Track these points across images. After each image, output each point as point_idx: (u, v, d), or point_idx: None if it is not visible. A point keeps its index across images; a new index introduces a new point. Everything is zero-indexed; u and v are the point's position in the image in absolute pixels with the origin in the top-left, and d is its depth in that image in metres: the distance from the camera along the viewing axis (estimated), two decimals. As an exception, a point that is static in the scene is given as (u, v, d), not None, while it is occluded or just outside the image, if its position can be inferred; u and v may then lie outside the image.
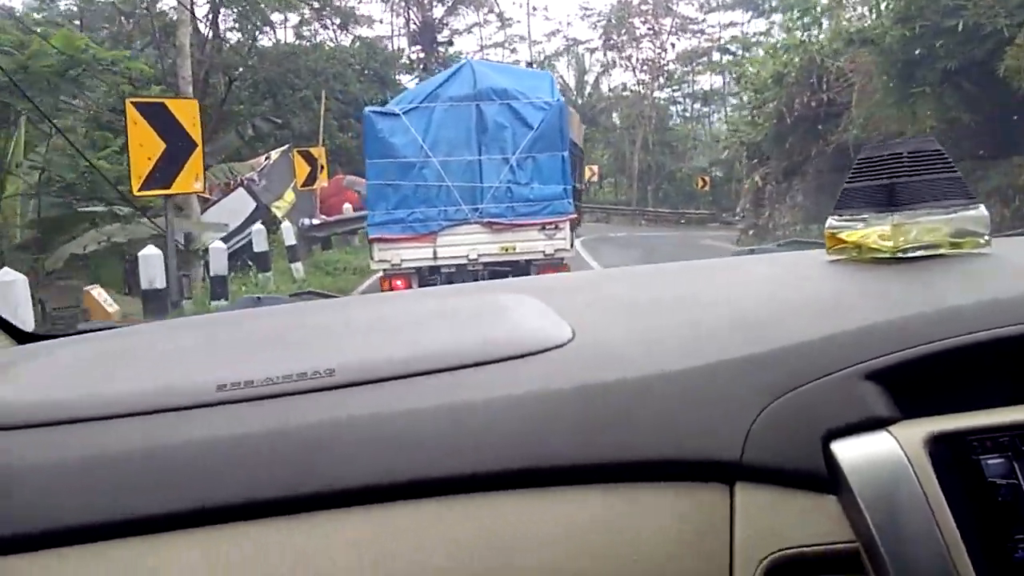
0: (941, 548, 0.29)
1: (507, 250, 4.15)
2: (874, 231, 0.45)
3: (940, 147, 0.44)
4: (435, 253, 4.15)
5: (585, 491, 0.31)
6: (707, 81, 23.65)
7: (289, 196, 8.36)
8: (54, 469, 0.32)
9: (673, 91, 22.55)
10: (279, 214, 7.94)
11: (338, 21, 14.03)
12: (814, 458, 0.32)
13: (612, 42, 21.85)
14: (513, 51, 24.97)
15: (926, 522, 0.29)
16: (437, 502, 0.31)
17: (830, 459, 0.31)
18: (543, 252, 4.10)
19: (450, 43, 18.14)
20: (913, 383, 0.34)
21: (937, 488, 0.30)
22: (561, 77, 23.60)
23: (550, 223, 4.06)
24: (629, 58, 21.78)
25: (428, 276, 4.20)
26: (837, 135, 7.90)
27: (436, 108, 4.02)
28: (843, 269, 0.47)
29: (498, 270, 4.15)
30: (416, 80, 16.02)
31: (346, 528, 0.30)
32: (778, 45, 9.94)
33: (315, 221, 8.40)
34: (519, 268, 4.13)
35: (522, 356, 0.37)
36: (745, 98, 11.71)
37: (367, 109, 4.42)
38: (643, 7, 20.62)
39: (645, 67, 21.34)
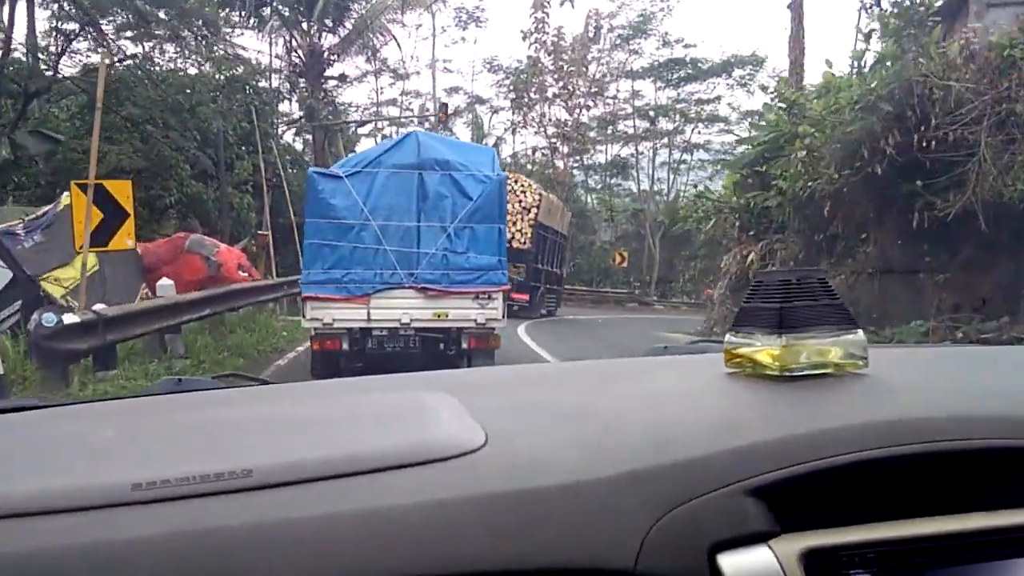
0: None
1: (440, 316, 4.90)
2: (765, 350, 0.55)
3: (825, 276, 0.57)
4: (368, 315, 4.84)
5: None
6: (611, 151, 26.14)
7: (81, 263, 5.10)
8: None
9: (586, 158, 24.58)
10: (55, 292, 5.50)
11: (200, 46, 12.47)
12: (701, 570, 0.38)
13: (522, 100, 23.37)
14: (408, 108, 26.05)
15: None
16: None
17: (715, 571, 0.38)
18: (475, 321, 4.89)
19: (343, 78, 17.40)
20: (792, 499, 0.41)
21: None
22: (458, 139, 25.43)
23: (484, 292, 4.90)
24: (540, 118, 23.45)
25: (359, 338, 4.83)
26: (931, 196, 5.67)
27: (379, 174, 4.89)
28: (737, 383, 0.58)
29: (429, 336, 4.91)
30: (299, 115, 15.87)
31: None
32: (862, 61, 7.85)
33: (102, 309, 4.45)
34: (450, 335, 4.93)
35: (436, 461, 0.43)
36: (742, 150, 10.89)
37: (311, 170, 5.32)
38: (558, 63, 22.21)
39: (557, 128, 22.90)
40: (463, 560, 0.37)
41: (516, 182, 12.81)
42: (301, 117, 16.10)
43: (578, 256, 21.35)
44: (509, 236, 13.64)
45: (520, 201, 12.45)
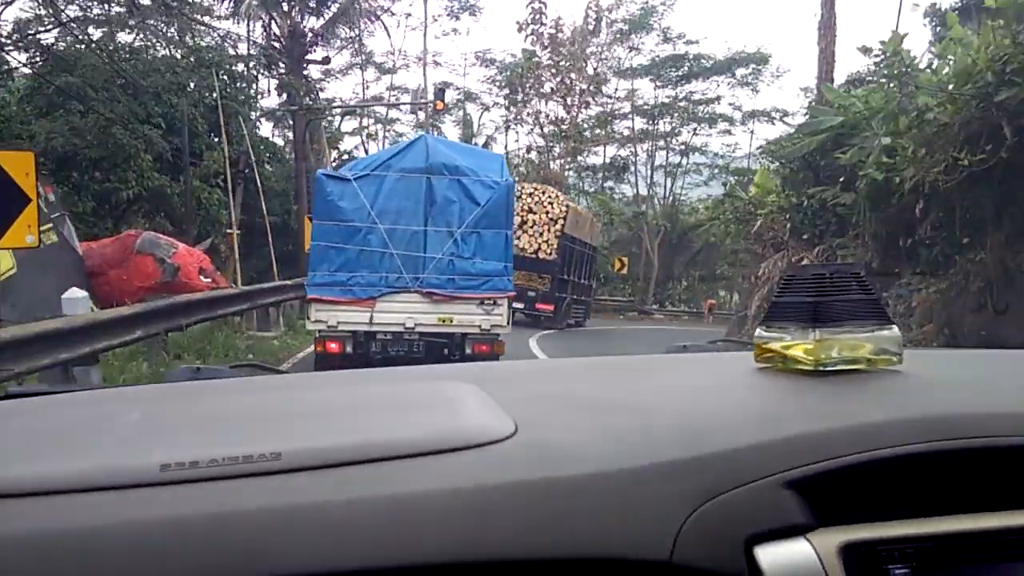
0: None
1: (444, 321, 5.32)
2: (798, 344, 0.59)
3: (860, 271, 0.61)
4: (372, 319, 5.23)
5: None
6: (607, 152, 26.65)
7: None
8: None
9: (580, 159, 25.08)
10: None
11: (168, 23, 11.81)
12: (737, 562, 0.41)
13: (516, 95, 23.73)
14: (394, 105, 26.01)
15: None
16: None
17: (752, 563, 0.41)
18: (479, 327, 5.29)
19: (326, 60, 17.34)
20: (829, 493, 0.44)
21: None
22: (441, 135, 25.58)
23: (489, 298, 5.30)
24: (536, 115, 23.88)
25: (363, 341, 5.24)
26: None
27: (387, 177, 5.29)
28: (769, 378, 0.62)
29: (434, 341, 5.29)
30: (278, 105, 15.46)
31: None
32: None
33: None
34: (454, 341, 5.32)
35: (466, 448, 0.46)
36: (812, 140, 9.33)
37: (319, 172, 5.61)
38: (556, 57, 22.45)
39: (554, 126, 23.29)
40: (494, 547, 0.39)
41: (544, 193, 13.56)
42: (280, 106, 15.75)
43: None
44: (535, 247, 13.55)
45: (547, 212, 13.19)
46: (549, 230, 13.16)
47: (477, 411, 0.53)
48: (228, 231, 10.58)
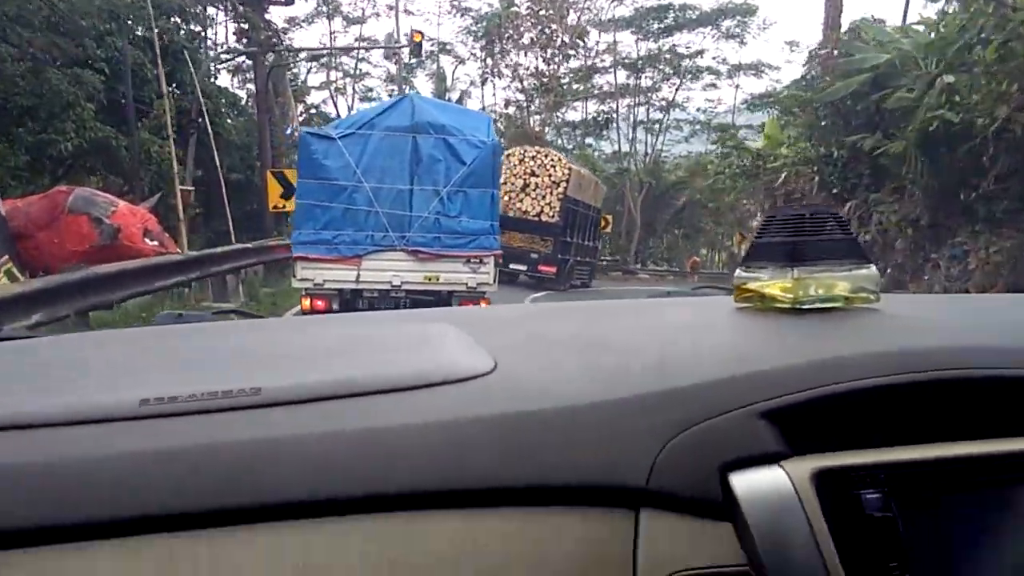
0: (823, 574, 0.41)
1: (430, 280, 5.73)
2: (777, 283, 0.63)
3: (839, 213, 0.65)
4: (359, 276, 5.62)
5: (498, 514, 0.42)
6: (587, 108, 26.73)
7: None
8: None
9: (559, 114, 25.20)
10: None
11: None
12: (712, 488, 0.44)
13: (494, 47, 23.82)
14: (366, 54, 25.71)
15: (810, 549, 0.42)
16: (356, 520, 0.41)
17: (727, 490, 0.44)
18: (466, 285, 5.72)
19: (290, 0, 16.32)
20: (803, 423, 0.47)
21: (821, 519, 0.43)
22: (418, 94, 26.25)
23: (475, 257, 5.72)
24: (515, 67, 24.05)
25: (350, 299, 5.64)
26: None
27: (372, 136, 5.61)
28: (747, 316, 0.66)
29: (420, 299, 5.69)
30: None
31: (267, 542, 0.40)
32: None
33: None
34: (441, 299, 5.73)
35: (445, 384, 0.49)
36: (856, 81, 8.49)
37: (303, 130, 5.95)
38: (535, 6, 22.48)
39: (535, 79, 23.39)
40: (472, 477, 0.43)
41: (546, 156, 14.12)
42: (238, 49, 15.24)
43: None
44: (538, 210, 14.06)
45: (549, 175, 13.74)
46: (551, 193, 13.79)
47: (457, 349, 0.57)
48: (181, 187, 10.13)
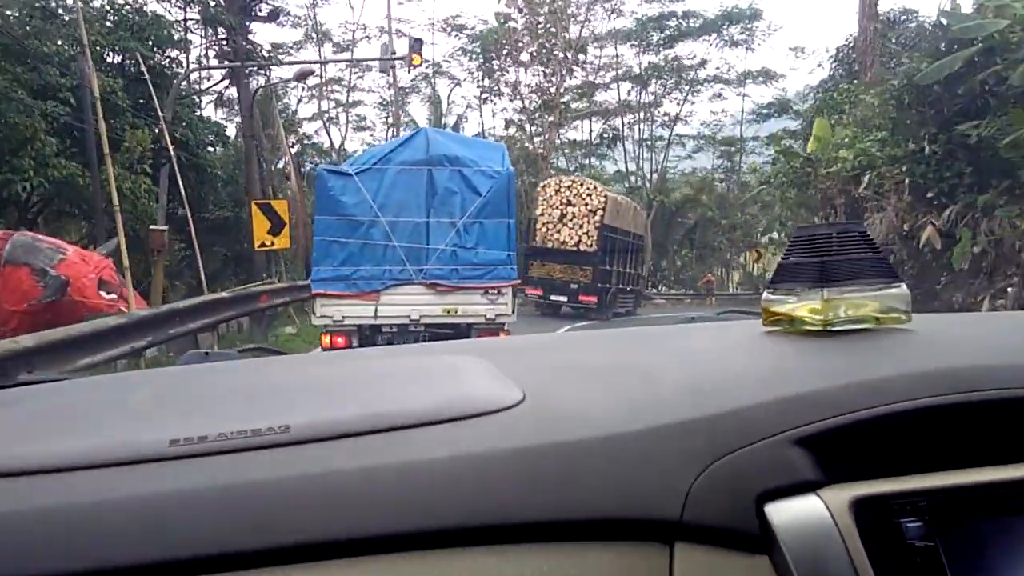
0: None
1: (449, 312, 6.18)
2: (805, 305, 0.67)
3: (866, 230, 0.69)
4: (377, 312, 6.08)
5: (532, 549, 0.44)
6: (587, 127, 27.71)
7: None
8: (1, 520, 0.42)
9: (560, 133, 26.06)
10: None
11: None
12: (748, 519, 0.46)
13: (492, 64, 24.59)
14: (358, 81, 26.37)
15: None
16: (387, 559, 0.43)
17: (763, 520, 0.46)
18: (484, 316, 6.16)
19: (274, 16, 16.26)
20: (839, 449, 0.50)
21: (861, 549, 0.45)
22: (413, 120, 26.27)
23: (493, 288, 6.17)
24: (515, 85, 24.83)
25: (369, 335, 6.08)
26: None
27: (388, 170, 6.14)
28: (777, 340, 0.70)
29: (439, 332, 6.12)
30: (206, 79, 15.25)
31: None
32: None
33: None
34: (460, 331, 6.15)
35: (473, 416, 0.52)
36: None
37: (321, 167, 6.45)
38: (534, 20, 23.18)
39: (538, 96, 24.11)
40: (502, 510, 0.45)
41: (582, 185, 15.02)
42: (220, 64, 14.95)
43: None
44: (576, 239, 14.88)
45: (586, 204, 14.63)
46: (589, 221, 14.76)
47: (484, 381, 0.61)
48: (154, 227, 9.50)
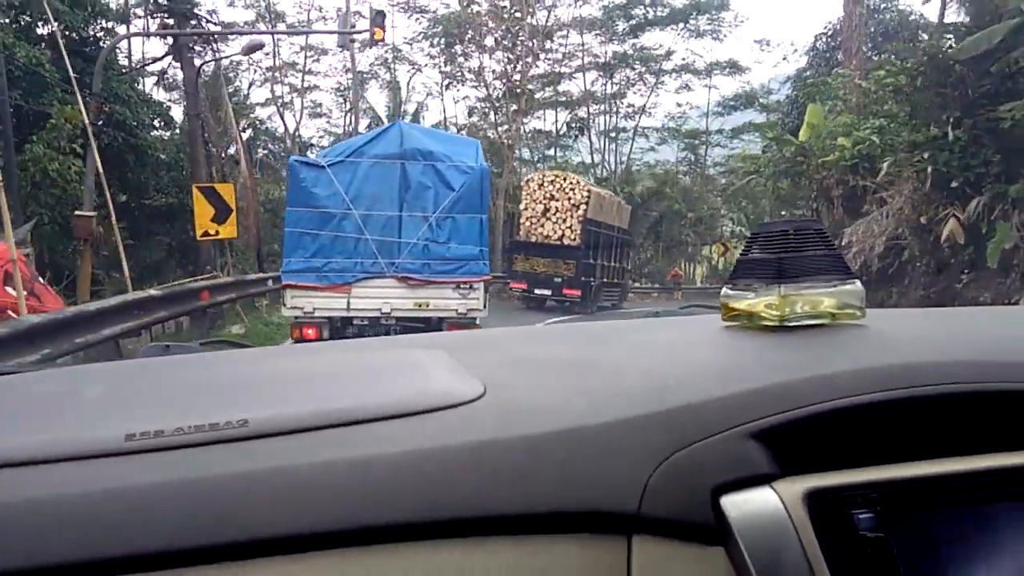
0: None
1: (421, 306, 6.50)
2: (763, 301, 0.72)
3: (822, 227, 0.75)
4: (349, 304, 6.37)
5: (491, 542, 0.47)
6: (550, 116, 28.30)
7: None
8: None
9: (527, 120, 26.60)
10: None
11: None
12: (704, 512, 0.50)
13: (454, 48, 24.76)
14: (314, 65, 26.35)
15: (804, 572, 0.47)
16: (347, 553, 0.45)
17: (719, 513, 0.49)
18: (456, 311, 6.49)
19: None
20: (794, 442, 0.53)
21: (814, 540, 0.49)
22: (372, 107, 26.45)
23: (465, 282, 6.51)
24: (478, 72, 25.07)
25: (340, 327, 6.35)
26: None
27: (362, 163, 6.42)
28: (735, 335, 0.75)
29: (410, 326, 6.45)
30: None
31: None
32: None
33: None
34: (431, 325, 6.46)
35: (434, 410, 0.55)
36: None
37: (292, 158, 6.66)
38: (499, 3, 23.39)
39: (502, 82, 24.35)
40: (463, 505, 0.48)
41: (565, 180, 15.69)
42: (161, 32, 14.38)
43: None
44: (559, 234, 15.50)
45: (569, 198, 15.31)
46: (572, 216, 15.61)
47: (445, 375, 0.65)
48: (79, 212, 8.92)
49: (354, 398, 0.60)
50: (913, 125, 8.26)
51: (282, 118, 25.67)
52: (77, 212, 9.09)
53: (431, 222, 6.47)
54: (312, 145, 28.36)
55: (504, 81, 24.71)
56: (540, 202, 15.75)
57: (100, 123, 10.36)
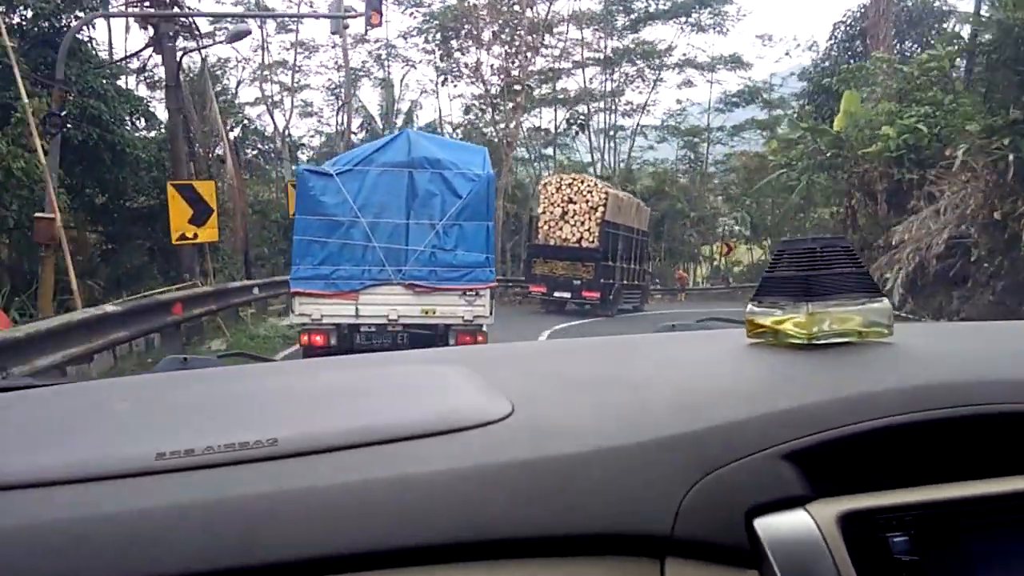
0: None
1: (427, 313, 6.82)
2: (790, 319, 0.75)
3: (849, 244, 0.78)
4: (357, 311, 6.69)
5: (522, 564, 0.48)
6: (547, 116, 28.65)
7: None
8: None
9: (525, 117, 26.95)
10: None
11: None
12: (738, 534, 0.52)
13: (450, 43, 25.05)
14: (305, 62, 26.72)
15: None
16: (378, 575, 0.46)
17: (752, 535, 0.51)
18: (462, 318, 6.81)
19: None
20: (826, 464, 0.56)
21: (848, 563, 0.50)
22: (364, 106, 26.71)
23: (471, 289, 6.81)
24: (476, 67, 25.30)
25: (347, 334, 6.70)
26: None
27: (370, 172, 6.76)
28: (762, 353, 0.78)
29: (417, 333, 6.78)
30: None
31: None
32: None
33: None
34: (438, 332, 6.82)
35: (463, 429, 0.58)
36: None
37: (301, 168, 7.00)
38: None
39: (501, 78, 24.67)
40: (493, 527, 0.49)
41: (583, 182, 16.51)
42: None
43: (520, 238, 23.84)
44: (578, 236, 16.33)
45: (587, 201, 16.10)
46: (590, 218, 16.56)
47: (473, 392, 0.68)
48: (39, 216, 8.44)
49: (383, 416, 0.63)
50: (989, 108, 7.80)
51: (272, 117, 25.90)
52: (37, 214, 8.64)
53: (438, 229, 6.78)
54: (303, 144, 28.99)
55: (502, 77, 24.98)
56: (558, 205, 16.34)
57: (64, 113, 9.87)
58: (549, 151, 30.45)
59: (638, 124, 30.71)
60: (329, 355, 6.26)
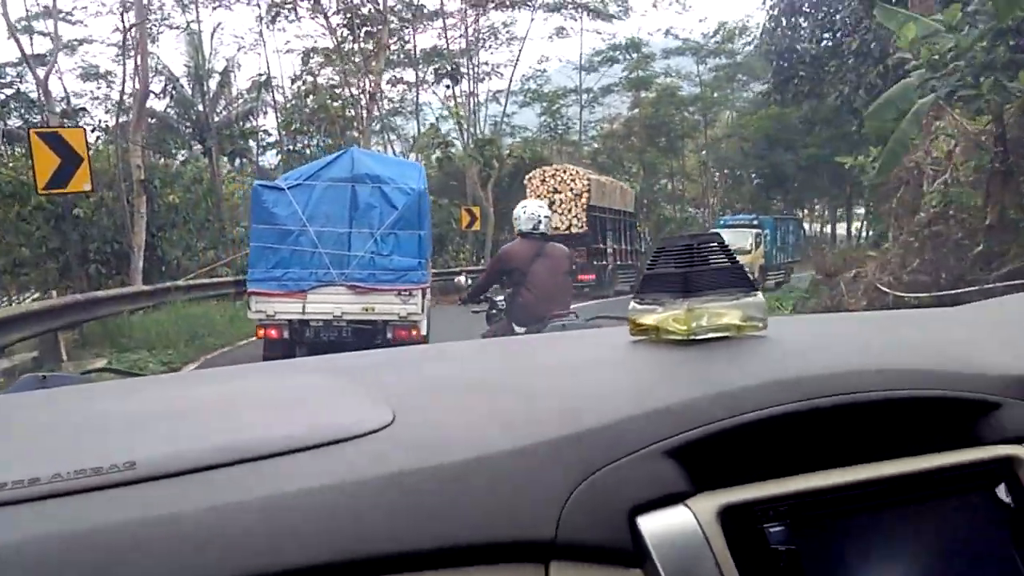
0: None
1: (368, 310, 10.35)
2: (670, 315, 0.96)
3: (724, 240, 0.98)
4: (304, 308, 10.18)
5: None
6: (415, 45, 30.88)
7: None
8: None
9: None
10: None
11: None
12: (621, 534, 0.64)
13: None
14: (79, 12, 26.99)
15: None
16: None
17: (635, 534, 0.64)
18: (398, 314, 10.36)
19: None
20: (707, 458, 0.70)
21: (728, 556, 0.64)
22: (167, 67, 27.13)
23: (405, 290, 10.35)
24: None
25: (298, 328, 10.16)
26: None
27: (317, 186, 10.23)
28: (644, 350, 0.98)
29: (360, 328, 10.31)
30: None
31: None
32: None
33: None
34: (377, 327, 10.40)
35: (339, 442, 0.67)
36: None
37: (256, 183, 10.37)
38: None
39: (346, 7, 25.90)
40: (373, 543, 0.58)
41: (565, 172, 21.24)
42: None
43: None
44: (567, 224, 22.30)
45: (571, 189, 20.92)
46: (576, 205, 22.42)
47: (351, 402, 0.81)
48: None
49: (253, 431, 0.75)
50: None
51: (36, 78, 24.25)
52: None
53: (376, 237, 10.18)
54: (84, 110, 28.14)
55: (353, 11, 26.15)
56: (544, 196, 20.73)
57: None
58: (416, 113, 32.75)
59: (510, 81, 34.04)
60: (284, 345, 10.12)
